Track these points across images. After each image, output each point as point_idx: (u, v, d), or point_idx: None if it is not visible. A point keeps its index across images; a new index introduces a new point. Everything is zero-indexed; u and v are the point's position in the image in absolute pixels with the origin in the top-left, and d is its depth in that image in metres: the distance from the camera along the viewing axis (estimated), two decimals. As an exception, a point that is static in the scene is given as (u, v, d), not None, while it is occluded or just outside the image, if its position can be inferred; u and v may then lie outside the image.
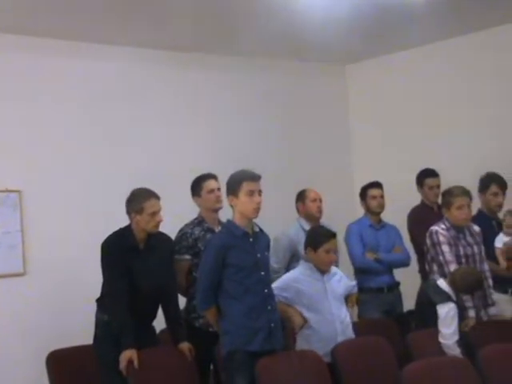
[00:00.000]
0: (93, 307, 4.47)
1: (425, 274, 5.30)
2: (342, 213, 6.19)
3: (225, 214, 4.44)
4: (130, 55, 5.89)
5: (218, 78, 6.36)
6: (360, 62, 7.06)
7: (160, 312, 4.53)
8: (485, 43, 6.15)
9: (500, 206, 5.45)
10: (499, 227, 5.38)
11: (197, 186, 4.90)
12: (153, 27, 5.50)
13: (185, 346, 4.40)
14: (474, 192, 5.22)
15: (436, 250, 4.96)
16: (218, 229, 4.68)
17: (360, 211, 5.91)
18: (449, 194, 5.04)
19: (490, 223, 5.39)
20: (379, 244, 5.63)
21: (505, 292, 5.22)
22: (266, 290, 4.11)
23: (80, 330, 4.67)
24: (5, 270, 5.22)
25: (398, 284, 5.65)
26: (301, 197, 5.57)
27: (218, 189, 4.81)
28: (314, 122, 6.93)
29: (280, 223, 5.45)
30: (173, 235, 4.74)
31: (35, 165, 5.41)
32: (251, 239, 4.10)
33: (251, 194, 4.03)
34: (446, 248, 4.90)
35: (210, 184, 4.86)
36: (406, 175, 5.97)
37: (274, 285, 4.31)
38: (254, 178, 4.07)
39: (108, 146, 5.74)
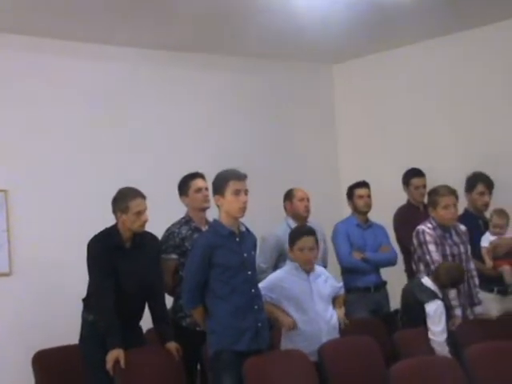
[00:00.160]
0: (79, 307, 4.46)
1: (411, 274, 5.31)
2: (329, 212, 6.21)
3: (212, 214, 4.44)
4: (129, 55, 5.91)
5: (207, 77, 6.34)
6: (347, 62, 7.06)
7: (147, 312, 4.52)
8: (474, 42, 6.17)
9: (486, 205, 5.47)
10: (485, 226, 5.41)
11: (184, 186, 4.89)
12: (151, 27, 5.51)
13: (172, 345, 4.39)
14: (460, 191, 5.24)
15: (423, 250, 4.97)
16: (205, 228, 4.66)
17: (347, 211, 5.92)
18: (435, 193, 5.05)
19: (476, 222, 5.42)
20: (366, 243, 5.64)
21: (491, 291, 5.25)
22: (252, 290, 4.11)
23: (66, 330, 4.64)
24: (-9, 270, 5.18)
25: (384, 283, 5.67)
26: (288, 196, 5.57)
27: (206, 188, 4.80)
28: (302, 121, 6.93)
29: (268, 223, 5.45)
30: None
31: (21, 164, 5.38)
32: (238, 239, 4.10)
33: (237, 193, 4.02)
34: (432, 247, 4.91)
35: (198, 183, 4.85)
36: (393, 175, 5.99)
37: (260, 285, 4.30)
38: (240, 177, 4.06)
39: (100, 147, 5.73)
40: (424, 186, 5.78)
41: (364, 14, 5.48)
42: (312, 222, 5.51)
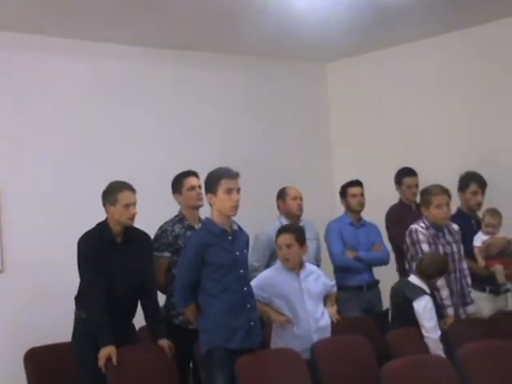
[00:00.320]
0: (71, 305, 4.45)
1: (403, 273, 5.32)
2: (322, 211, 6.21)
3: (205, 212, 4.43)
4: (128, 54, 5.91)
5: (202, 75, 6.34)
6: (341, 61, 7.06)
7: (139, 309, 4.51)
8: (466, 42, 6.18)
9: (479, 204, 5.48)
10: (478, 226, 5.42)
11: (177, 183, 4.89)
12: (148, 25, 5.49)
13: (164, 342, 4.39)
14: (452, 191, 5.25)
15: (416, 249, 4.98)
16: (198, 226, 4.66)
17: (340, 209, 5.93)
18: (428, 192, 5.06)
19: (469, 222, 5.43)
20: (359, 242, 5.64)
21: (483, 290, 5.27)
22: (245, 288, 4.12)
23: (58, 328, 4.62)
24: (-17, 268, 5.17)
25: (377, 282, 5.67)
26: (281, 195, 5.56)
27: (199, 186, 4.79)
28: (295, 120, 6.93)
29: (261, 221, 5.44)
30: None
31: (14, 163, 5.36)
32: (230, 237, 4.10)
33: (229, 191, 4.02)
34: (425, 246, 4.92)
35: (191, 181, 4.85)
36: (386, 174, 5.99)
37: (251, 283, 4.31)
38: (233, 175, 4.06)
39: (97, 146, 5.72)
40: (416, 186, 5.79)
41: (358, 14, 5.48)
42: (305, 220, 5.52)
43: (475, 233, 5.36)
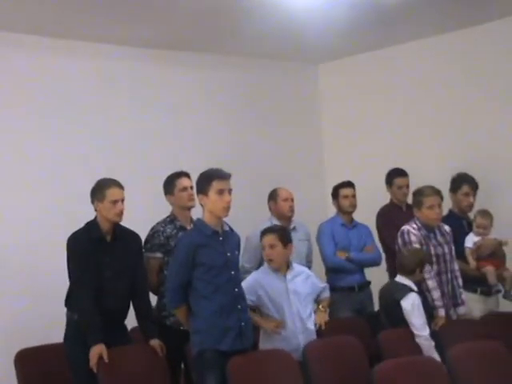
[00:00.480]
0: (62, 305, 4.42)
1: (393, 273, 5.31)
2: (313, 212, 6.21)
3: (198, 213, 4.42)
4: (120, 54, 5.90)
5: (192, 75, 6.34)
6: (333, 61, 7.06)
7: (131, 310, 4.50)
8: (458, 44, 6.19)
9: (471, 206, 5.50)
10: (469, 227, 5.44)
11: (169, 184, 4.87)
12: (137, 25, 5.50)
13: (155, 342, 4.39)
14: (444, 192, 5.26)
15: (407, 250, 4.99)
16: (190, 227, 4.66)
17: (332, 210, 5.93)
18: (420, 193, 5.06)
19: (460, 223, 5.44)
20: (351, 243, 5.64)
21: (474, 291, 5.28)
22: (236, 290, 4.11)
23: (49, 329, 4.62)
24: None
25: (368, 283, 5.67)
26: (272, 196, 5.56)
27: (191, 187, 4.78)
28: (287, 120, 6.93)
29: (253, 222, 5.44)
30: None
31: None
32: (221, 238, 4.10)
33: (221, 192, 4.02)
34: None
35: (183, 182, 4.84)
36: (378, 175, 6.00)
37: None
38: (224, 176, 4.06)
39: (85, 147, 5.71)
40: (407, 186, 5.80)
41: (350, 15, 5.49)
42: (296, 221, 5.52)
43: (467, 234, 5.37)
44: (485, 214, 5.36)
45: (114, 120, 5.90)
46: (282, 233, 4.62)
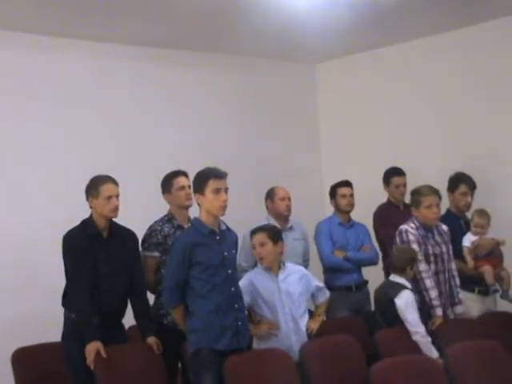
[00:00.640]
0: (59, 303, 4.41)
1: (389, 272, 5.31)
2: (311, 211, 6.21)
3: (195, 212, 4.42)
4: (120, 53, 5.91)
5: (188, 74, 6.34)
6: (330, 61, 7.06)
7: (129, 309, 4.50)
8: (457, 43, 6.19)
9: (468, 205, 5.50)
10: (467, 227, 5.44)
11: (167, 183, 4.87)
12: (137, 24, 5.50)
13: (152, 340, 4.39)
14: (442, 191, 5.26)
15: (405, 249, 4.99)
16: (187, 226, 4.65)
17: (329, 209, 5.93)
18: (418, 193, 5.06)
19: (458, 222, 5.45)
20: (348, 242, 5.64)
21: (471, 291, 5.28)
22: (232, 289, 4.11)
23: (46, 327, 4.61)
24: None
25: (366, 283, 5.67)
26: (270, 195, 5.56)
27: (189, 186, 4.78)
28: (285, 120, 6.93)
29: (250, 221, 5.43)
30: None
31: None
32: (218, 237, 4.09)
33: (217, 191, 4.02)
34: (415, 247, 4.91)
35: (181, 181, 4.83)
36: (376, 174, 6.00)
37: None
38: (221, 175, 4.05)
39: (79, 147, 5.70)
40: (404, 185, 5.80)
41: (348, 14, 5.48)
42: (293, 221, 5.52)
43: (464, 233, 5.38)
44: (482, 213, 5.36)
45: (114, 119, 5.89)
46: (272, 231, 4.61)
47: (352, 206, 5.71)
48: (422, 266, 4.86)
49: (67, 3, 4.92)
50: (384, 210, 5.83)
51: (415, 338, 4.60)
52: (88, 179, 4.46)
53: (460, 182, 5.50)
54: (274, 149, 6.80)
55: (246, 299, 4.38)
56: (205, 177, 4.05)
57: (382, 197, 5.93)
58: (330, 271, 5.60)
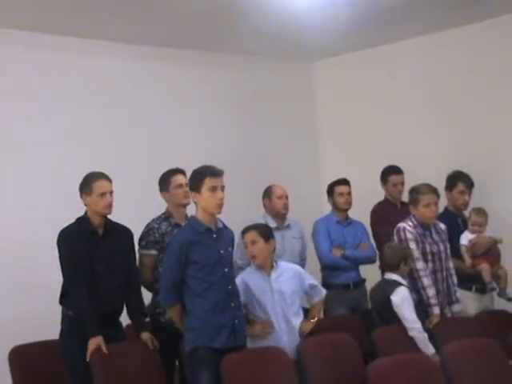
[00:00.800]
0: (57, 301, 4.41)
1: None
2: (309, 209, 6.21)
3: (193, 210, 4.42)
4: (116, 51, 5.90)
5: (187, 73, 6.33)
6: (327, 59, 7.05)
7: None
8: (456, 42, 6.19)
9: (466, 204, 5.51)
10: (464, 225, 5.45)
11: (165, 181, 4.87)
12: (137, 23, 5.50)
13: (146, 336, 4.40)
14: (440, 190, 5.26)
15: (403, 247, 5.00)
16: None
17: (327, 208, 5.93)
18: (416, 191, 5.06)
19: (455, 221, 5.45)
20: (346, 240, 5.65)
21: (469, 289, 5.29)
22: (229, 287, 4.11)
23: (44, 325, 4.60)
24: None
25: (363, 281, 5.67)
26: (267, 193, 5.56)
27: (186, 184, 4.76)
28: (283, 118, 6.92)
29: (250, 220, 5.43)
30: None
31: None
32: (214, 235, 4.09)
33: (214, 189, 4.01)
34: (413, 245, 4.92)
35: (178, 179, 4.83)
36: (374, 172, 6.00)
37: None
38: (217, 173, 4.05)
39: (77, 145, 5.69)
40: (402, 184, 5.81)
41: (347, 13, 5.48)
42: (290, 219, 5.52)
43: (462, 232, 5.39)
44: (480, 211, 5.37)
45: (113, 118, 5.88)
46: (263, 229, 4.60)
47: (349, 204, 5.71)
48: (420, 265, 4.87)
49: (67, 2, 4.92)
50: (381, 208, 5.83)
51: (412, 333, 4.61)
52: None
53: (458, 180, 5.50)
54: (272, 147, 6.79)
55: (241, 298, 4.37)
56: (201, 175, 4.04)
57: (380, 195, 5.93)
58: (328, 269, 5.61)
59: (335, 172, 6.06)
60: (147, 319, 4.77)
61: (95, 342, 4.14)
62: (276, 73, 6.91)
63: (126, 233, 4.52)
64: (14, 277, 5.24)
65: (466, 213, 5.51)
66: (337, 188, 5.71)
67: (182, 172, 4.85)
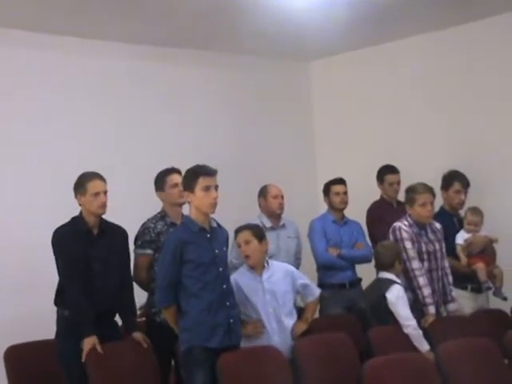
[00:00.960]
0: (53, 301, 4.41)
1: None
2: (305, 209, 6.21)
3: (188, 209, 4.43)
4: (116, 51, 5.90)
5: (182, 72, 6.33)
6: (324, 59, 7.06)
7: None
8: (453, 41, 6.20)
9: (462, 203, 5.51)
10: (460, 224, 5.45)
11: (160, 181, 4.86)
12: (136, 22, 5.49)
13: (138, 335, 4.40)
14: (435, 189, 5.26)
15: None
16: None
17: (323, 207, 5.93)
18: (412, 190, 5.06)
19: (451, 220, 5.45)
20: (342, 240, 5.65)
21: (464, 288, 5.29)
22: (224, 286, 4.10)
23: (39, 324, 4.60)
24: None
25: (359, 280, 5.67)
26: (262, 193, 5.56)
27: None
28: (279, 118, 6.92)
29: (242, 219, 5.43)
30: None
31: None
32: (208, 235, 4.09)
33: (207, 189, 4.01)
34: (408, 244, 4.92)
35: (174, 178, 4.82)
36: (370, 172, 6.00)
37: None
38: (210, 172, 4.04)
39: (75, 146, 5.68)
40: (398, 183, 5.81)
41: (346, 12, 5.49)
42: (286, 219, 5.52)
43: (457, 231, 5.39)
44: (475, 211, 5.37)
45: (113, 118, 5.89)
46: (256, 229, 4.60)
47: (345, 203, 5.71)
48: (415, 264, 4.87)
49: (67, 2, 4.92)
50: (377, 207, 5.84)
51: (407, 330, 4.62)
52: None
53: (454, 179, 5.50)
54: (268, 146, 6.79)
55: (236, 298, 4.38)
56: (194, 174, 4.04)
57: (377, 195, 5.93)
58: (324, 269, 5.60)
59: (331, 171, 6.06)
60: (143, 319, 4.78)
61: (90, 342, 4.14)
62: (275, 72, 6.92)
63: (120, 233, 4.52)
64: (14, 277, 5.24)
65: (462, 212, 5.51)
66: (333, 187, 5.71)
67: (178, 171, 4.85)
